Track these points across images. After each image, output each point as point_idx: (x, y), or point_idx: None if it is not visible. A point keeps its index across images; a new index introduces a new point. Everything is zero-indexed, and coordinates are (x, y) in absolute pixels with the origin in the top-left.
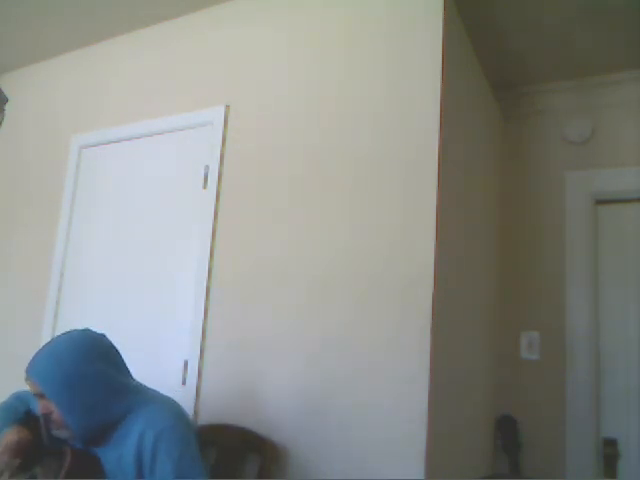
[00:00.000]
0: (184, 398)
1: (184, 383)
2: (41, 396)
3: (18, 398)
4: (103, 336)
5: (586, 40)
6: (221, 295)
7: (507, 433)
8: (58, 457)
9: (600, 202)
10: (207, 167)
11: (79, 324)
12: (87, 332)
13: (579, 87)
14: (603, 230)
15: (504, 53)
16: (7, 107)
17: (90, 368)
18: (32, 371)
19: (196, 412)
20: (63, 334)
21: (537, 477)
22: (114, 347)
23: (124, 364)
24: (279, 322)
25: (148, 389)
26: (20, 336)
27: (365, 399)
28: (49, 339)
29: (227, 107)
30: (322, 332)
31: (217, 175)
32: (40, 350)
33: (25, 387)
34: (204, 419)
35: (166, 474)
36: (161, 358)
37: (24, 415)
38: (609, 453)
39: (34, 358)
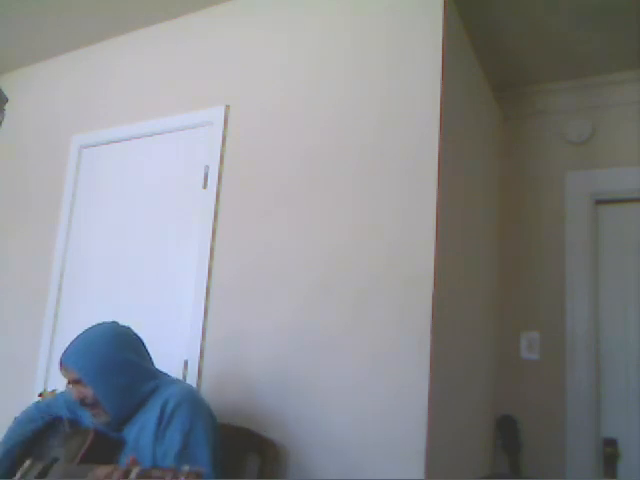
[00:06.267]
0: None
1: None
2: (76, 382)
3: (28, 413)
4: (129, 328)
5: (586, 40)
6: (221, 295)
7: (507, 433)
8: (81, 438)
9: (600, 202)
10: (207, 167)
11: (79, 324)
12: (115, 324)
13: (579, 87)
14: (603, 230)
15: (504, 53)
16: (7, 107)
17: (121, 355)
18: (68, 359)
19: None
20: (94, 326)
21: (537, 477)
22: (139, 338)
23: (148, 353)
24: (279, 322)
25: (169, 375)
26: (20, 336)
27: (365, 399)
28: (49, 339)
29: (227, 107)
30: (322, 332)
31: (217, 175)
32: (74, 341)
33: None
34: None
35: (174, 443)
36: (161, 358)
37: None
38: (609, 453)
39: (69, 348)
